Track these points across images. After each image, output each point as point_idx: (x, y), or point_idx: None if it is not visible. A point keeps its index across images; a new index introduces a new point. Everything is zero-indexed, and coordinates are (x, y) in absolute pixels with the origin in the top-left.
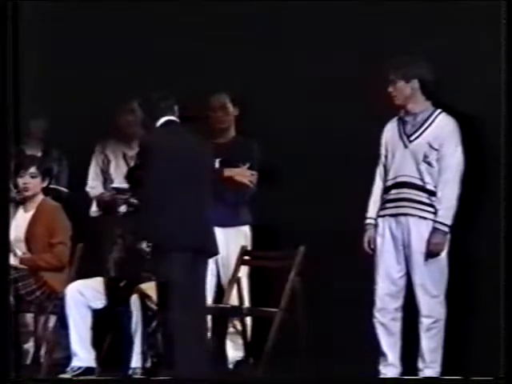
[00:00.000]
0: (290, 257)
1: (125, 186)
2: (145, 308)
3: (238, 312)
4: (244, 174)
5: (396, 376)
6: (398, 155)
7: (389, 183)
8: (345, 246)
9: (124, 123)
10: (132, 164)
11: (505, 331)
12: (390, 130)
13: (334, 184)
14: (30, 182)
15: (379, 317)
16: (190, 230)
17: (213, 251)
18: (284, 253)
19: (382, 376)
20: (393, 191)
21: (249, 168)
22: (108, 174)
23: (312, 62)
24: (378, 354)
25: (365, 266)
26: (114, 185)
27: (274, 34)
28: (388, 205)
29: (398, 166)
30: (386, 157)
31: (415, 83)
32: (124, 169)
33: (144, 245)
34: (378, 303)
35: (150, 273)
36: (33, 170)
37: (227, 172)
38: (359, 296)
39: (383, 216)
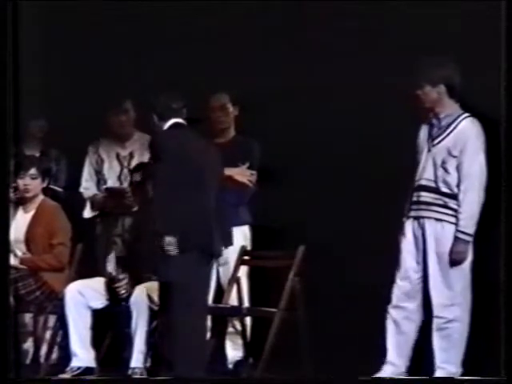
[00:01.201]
0: (290, 257)
1: (118, 186)
2: (146, 307)
3: (237, 312)
4: (243, 174)
5: (393, 375)
6: (422, 158)
7: (414, 185)
8: (345, 246)
9: (117, 123)
10: (125, 164)
11: (505, 331)
12: (422, 133)
13: (334, 184)
14: (31, 183)
15: (393, 313)
16: (201, 230)
17: (217, 252)
18: (284, 253)
19: (379, 373)
20: (415, 193)
21: (248, 168)
22: (101, 174)
23: (312, 62)
24: (379, 351)
25: (365, 265)
26: (107, 186)
27: (274, 34)
28: (412, 207)
29: (421, 169)
30: (417, 159)
31: (441, 87)
32: (117, 169)
33: (167, 239)
34: (394, 300)
35: (154, 273)
36: (33, 171)
37: (227, 172)
38: (359, 296)
39: (408, 217)
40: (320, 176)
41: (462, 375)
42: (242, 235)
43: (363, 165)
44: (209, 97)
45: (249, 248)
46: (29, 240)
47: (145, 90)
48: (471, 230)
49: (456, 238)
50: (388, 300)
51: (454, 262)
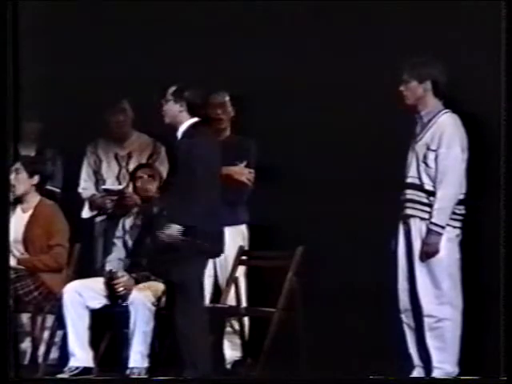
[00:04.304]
0: (288, 257)
1: (116, 187)
2: (144, 308)
3: (235, 312)
4: (242, 173)
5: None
6: (408, 156)
7: (403, 184)
8: (343, 246)
9: (115, 123)
10: (124, 164)
11: (504, 331)
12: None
13: (333, 183)
14: (15, 177)
15: (404, 318)
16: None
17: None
18: (282, 253)
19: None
20: (402, 192)
21: (246, 166)
22: (100, 174)
23: (311, 62)
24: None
25: (364, 265)
26: (105, 186)
27: (274, 34)
28: (399, 205)
29: (406, 168)
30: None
31: (428, 84)
32: (116, 169)
33: (176, 228)
34: (402, 305)
35: (165, 274)
36: (17, 165)
37: (225, 170)
38: (358, 296)
39: (399, 217)
40: (319, 176)
41: (461, 375)
42: (239, 235)
43: (363, 164)
44: (208, 94)
45: (246, 248)
46: (27, 240)
47: (144, 89)
48: (443, 222)
49: (428, 230)
50: (386, 300)
51: (426, 254)
